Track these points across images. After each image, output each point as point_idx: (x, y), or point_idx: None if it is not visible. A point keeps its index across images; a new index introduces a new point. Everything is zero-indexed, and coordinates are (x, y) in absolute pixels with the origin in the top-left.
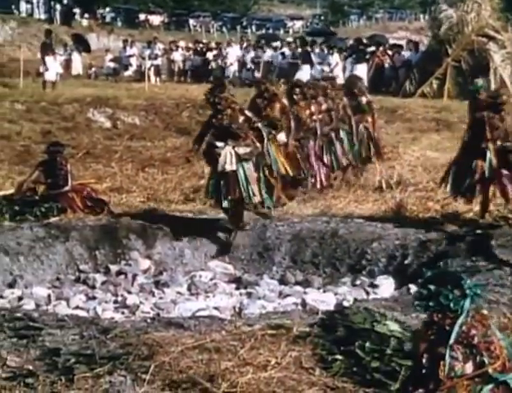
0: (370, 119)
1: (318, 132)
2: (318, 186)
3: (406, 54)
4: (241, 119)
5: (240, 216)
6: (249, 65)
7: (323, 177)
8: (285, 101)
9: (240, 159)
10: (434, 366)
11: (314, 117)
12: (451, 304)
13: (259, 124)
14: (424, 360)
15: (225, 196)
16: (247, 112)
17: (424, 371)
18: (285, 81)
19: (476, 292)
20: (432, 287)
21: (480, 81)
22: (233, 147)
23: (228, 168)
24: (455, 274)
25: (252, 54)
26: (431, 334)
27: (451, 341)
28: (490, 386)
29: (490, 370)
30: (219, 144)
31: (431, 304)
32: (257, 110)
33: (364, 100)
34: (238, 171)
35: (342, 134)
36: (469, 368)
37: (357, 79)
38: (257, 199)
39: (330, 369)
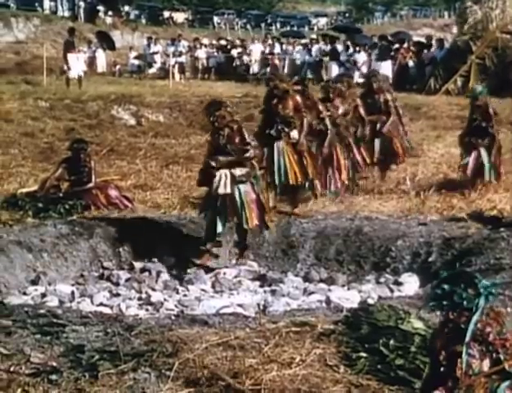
0: (385, 119)
1: (329, 135)
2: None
3: (428, 51)
4: (238, 139)
5: (241, 240)
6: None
7: (332, 182)
8: (298, 97)
9: (236, 181)
10: (452, 364)
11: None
12: (465, 303)
13: (248, 147)
14: (441, 358)
15: (221, 220)
16: (244, 132)
17: (442, 369)
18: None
19: (490, 291)
20: (446, 286)
21: (479, 87)
22: (229, 168)
23: (222, 191)
24: (470, 274)
25: (278, 51)
26: (447, 332)
27: (467, 338)
28: (507, 383)
29: (506, 366)
30: (214, 163)
31: (445, 303)
32: (270, 110)
33: (382, 98)
34: (234, 194)
35: (357, 137)
36: (485, 365)
37: (374, 76)
38: (251, 224)
39: (355, 367)
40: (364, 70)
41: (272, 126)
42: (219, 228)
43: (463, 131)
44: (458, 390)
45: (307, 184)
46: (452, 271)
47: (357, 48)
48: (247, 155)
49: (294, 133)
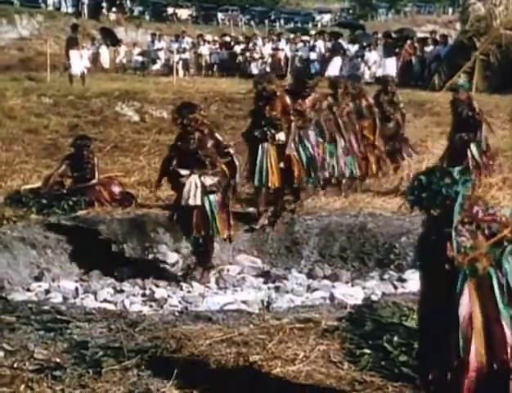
0: (366, 125)
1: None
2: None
3: (434, 47)
4: (210, 143)
5: (208, 254)
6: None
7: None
8: (287, 99)
9: (206, 191)
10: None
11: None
12: (443, 190)
13: (231, 150)
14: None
15: (188, 233)
16: (217, 136)
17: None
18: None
19: (466, 178)
20: (423, 179)
21: (461, 81)
22: (199, 176)
23: (192, 202)
24: (444, 168)
25: (284, 47)
26: (435, 229)
27: (455, 220)
28: (510, 248)
29: (506, 233)
30: (183, 172)
31: (424, 195)
32: (258, 111)
33: (364, 103)
34: (204, 205)
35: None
36: (480, 242)
37: (356, 79)
38: (222, 235)
39: (358, 363)
40: (374, 69)
41: (259, 128)
42: (188, 241)
43: (451, 129)
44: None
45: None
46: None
47: (365, 45)
48: (228, 150)
49: (281, 136)
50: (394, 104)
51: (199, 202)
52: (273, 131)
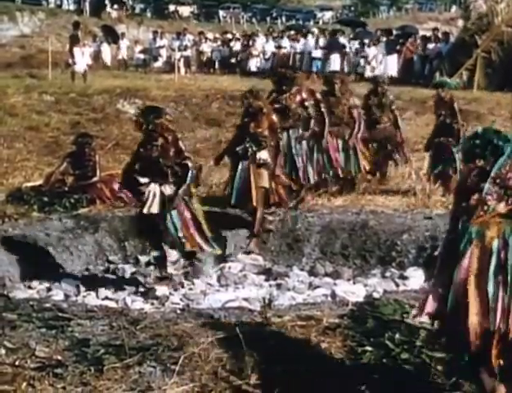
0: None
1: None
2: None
3: (436, 45)
4: (172, 151)
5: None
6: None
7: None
8: (273, 117)
9: (165, 200)
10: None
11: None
12: (495, 140)
13: (189, 163)
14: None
15: (154, 245)
16: (180, 144)
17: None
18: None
19: None
20: (479, 129)
21: (444, 79)
22: (160, 185)
23: (146, 211)
24: (496, 130)
25: (286, 44)
26: (474, 175)
27: (492, 174)
28: None
29: None
30: (143, 180)
31: (477, 142)
32: (244, 128)
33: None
34: (165, 215)
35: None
36: (502, 207)
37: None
38: (191, 245)
39: (360, 361)
40: (374, 64)
41: (241, 144)
42: (154, 253)
43: (432, 132)
44: (472, 223)
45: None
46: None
47: (366, 42)
48: (185, 162)
49: (262, 154)
50: (383, 106)
51: (156, 211)
52: (255, 148)
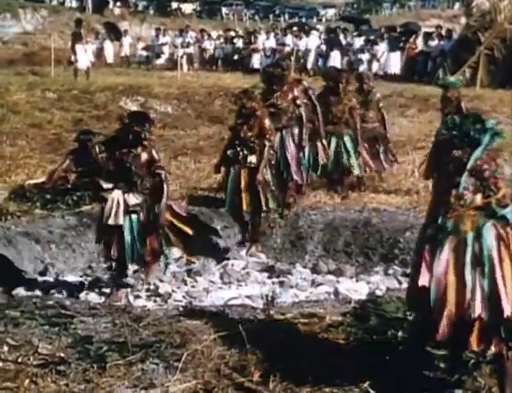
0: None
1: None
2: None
3: (439, 42)
4: (145, 159)
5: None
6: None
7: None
8: (266, 120)
9: (129, 210)
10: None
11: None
12: (472, 133)
13: (162, 173)
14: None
15: (107, 256)
16: (154, 153)
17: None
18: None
19: (496, 130)
20: (456, 119)
21: (451, 78)
22: (123, 193)
23: (111, 222)
24: (479, 114)
25: (288, 41)
26: (452, 167)
27: (468, 167)
28: (492, 221)
29: (493, 201)
30: (106, 185)
31: (454, 133)
32: (236, 131)
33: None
34: (124, 226)
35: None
36: (478, 200)
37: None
38: (147, 258)
39: (363, 357)
40: (382, 60)
41: (232, 147)
42: (108, 264)
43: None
44: (449, 217)
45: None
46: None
47: (371, 39)
48: (159, 171)
49: (252, 158)
50: (368, 104)
51: (120, 221)
52: (246, 152)
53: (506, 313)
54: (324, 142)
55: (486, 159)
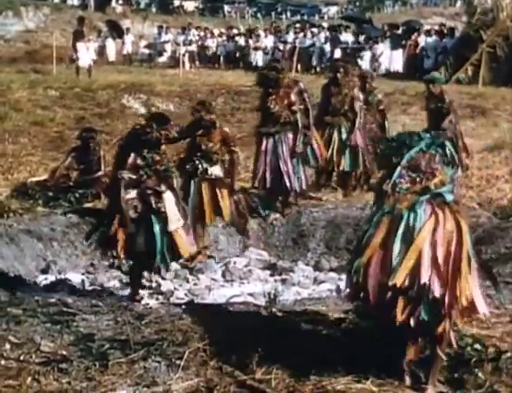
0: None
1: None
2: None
3: (441, 40)
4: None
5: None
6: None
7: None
8: (226, 129)
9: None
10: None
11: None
12: (407, 141)
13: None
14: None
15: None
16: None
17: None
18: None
19: (433, 140)
20: (394, 134)
21: (436, 74)
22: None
23: (175, 226)
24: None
25: (291, 39)
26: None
27: (402, 162)
28: (426, 197)
29: (430, 184)
30: (160, 188)
31: (393, 144)
32: (195, 143)
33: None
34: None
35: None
36: (416, 187)
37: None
38: None
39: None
40: (384, 58)
41: (191, 160)
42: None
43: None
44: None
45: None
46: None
47: (373, 37)
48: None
49: (214, 169)
50: (368, 105)
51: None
52: (206, 165)
53: (423, 280)
54: (319, 141)
55: (422, 156)
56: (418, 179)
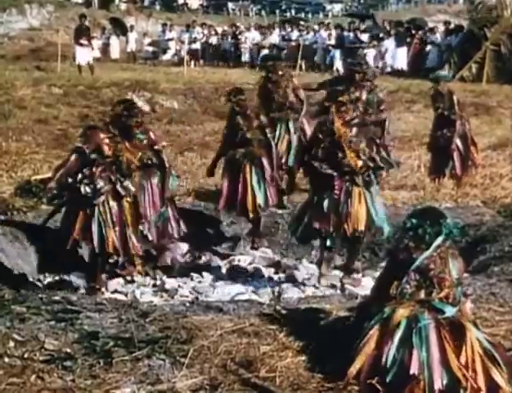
0: None
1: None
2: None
3: (446, 37)
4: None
5: None
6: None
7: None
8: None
9: None
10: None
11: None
12: (427, 238)
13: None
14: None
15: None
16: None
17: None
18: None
19: (452, 231)
20: (414, 221)
21: (442, 72)
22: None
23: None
24: (438, 211)
25: (293, 37)
26: (402, 258)
27: (412, 267)
28: (431, 312)
29: (435, 297)
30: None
31: (411, 234)
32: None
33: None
34: None
35: None
36: (420, 295)
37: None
38: None
39: None
40: (389, 56)
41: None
42: None
43: (432, 127)
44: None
45: None
46: (423, 207)
47: (378, 35)
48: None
49: (128, 184)
50: (369, 103)
51: None
52: (122, 179)
53: (437, 386)
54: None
55: (434, 258)
56: (424, 285)
